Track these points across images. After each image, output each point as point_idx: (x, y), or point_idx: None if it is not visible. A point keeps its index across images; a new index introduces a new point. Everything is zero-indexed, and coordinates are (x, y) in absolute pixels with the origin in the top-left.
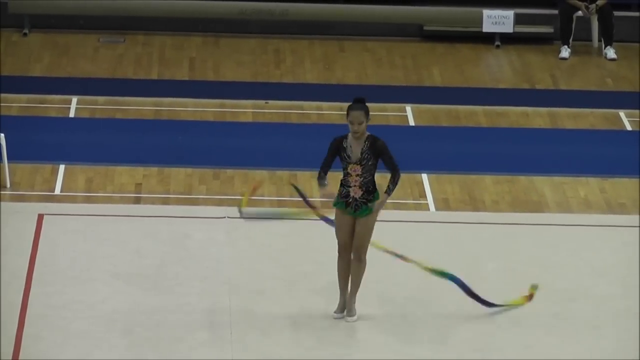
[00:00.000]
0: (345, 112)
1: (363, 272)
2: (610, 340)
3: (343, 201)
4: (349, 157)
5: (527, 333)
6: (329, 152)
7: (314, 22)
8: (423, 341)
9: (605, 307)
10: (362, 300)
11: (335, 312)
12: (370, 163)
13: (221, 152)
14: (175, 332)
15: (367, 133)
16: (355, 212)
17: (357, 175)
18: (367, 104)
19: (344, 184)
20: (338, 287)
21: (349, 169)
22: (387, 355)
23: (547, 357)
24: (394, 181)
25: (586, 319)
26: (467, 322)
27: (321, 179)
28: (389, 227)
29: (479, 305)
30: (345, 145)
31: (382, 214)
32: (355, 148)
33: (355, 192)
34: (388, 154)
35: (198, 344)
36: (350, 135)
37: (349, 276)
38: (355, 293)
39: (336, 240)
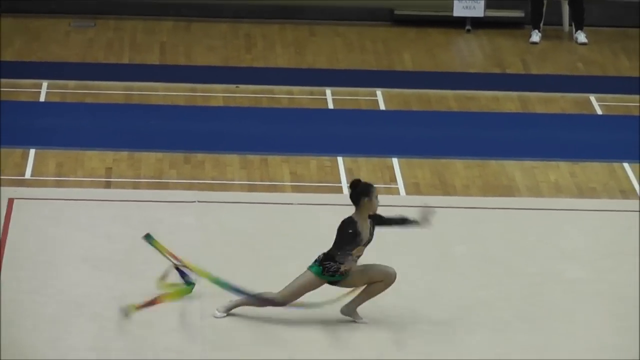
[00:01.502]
0: (368, 195)
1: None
2: (579, 324)
3: (328, 276)
4: (362, 240)
5: (497, 317)
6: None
7: (284, 7)
8: (393, 320)
9: (575, 291)
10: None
11: None
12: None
13: (192, 136)
14: (145, 317)
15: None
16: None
17: (358, 256)
18: (338, 88)
19: (338, 260)
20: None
21: (354, 251)
22: (356, 337)
23: (517, 341)
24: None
25: (556, 303)
26: (435, 306)
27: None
28: None
29: (448, 291)
30: (359, 230)
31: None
32: (365, 230)
33: (346, 267)
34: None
35: (168, 329)
36: (360, 218)
37: None
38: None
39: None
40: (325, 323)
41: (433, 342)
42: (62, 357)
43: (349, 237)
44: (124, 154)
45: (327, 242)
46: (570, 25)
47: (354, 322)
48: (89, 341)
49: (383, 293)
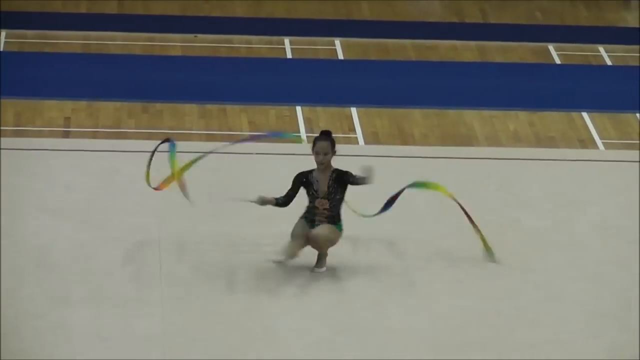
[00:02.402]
0: (311, 143)
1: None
2: (538, 273)
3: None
4: (316, 192)
5: (456, 266)
6: (293, 187)
7: None
8: (350, 270)
9: (534, 240)
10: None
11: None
12: (337, 197)
13: (150, 85)
14: (104, 266)
15: (333, 166)
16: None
17: (325, 209)
18: (296, 38)
19: (306, 216)
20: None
21: (316, 203)
22: (313, 285)
23: (476, 290)
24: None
25: (515, 252)
26: (394, 256)
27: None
28: None
29: (406, 241)
30: (311, 180)
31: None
32: (322, 182)
33: (321, 222)
34: (353, 177)
35: (128, 278)
36: (315, 169)
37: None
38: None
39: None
40: (285, 270)
41: (390, 292)
42: (21, 307)
43: (297, 184)
44: (83, 103)
45: (284, 192)
46: None
47: (312, 271)
48: (48, 291)
49: (339, 244)
